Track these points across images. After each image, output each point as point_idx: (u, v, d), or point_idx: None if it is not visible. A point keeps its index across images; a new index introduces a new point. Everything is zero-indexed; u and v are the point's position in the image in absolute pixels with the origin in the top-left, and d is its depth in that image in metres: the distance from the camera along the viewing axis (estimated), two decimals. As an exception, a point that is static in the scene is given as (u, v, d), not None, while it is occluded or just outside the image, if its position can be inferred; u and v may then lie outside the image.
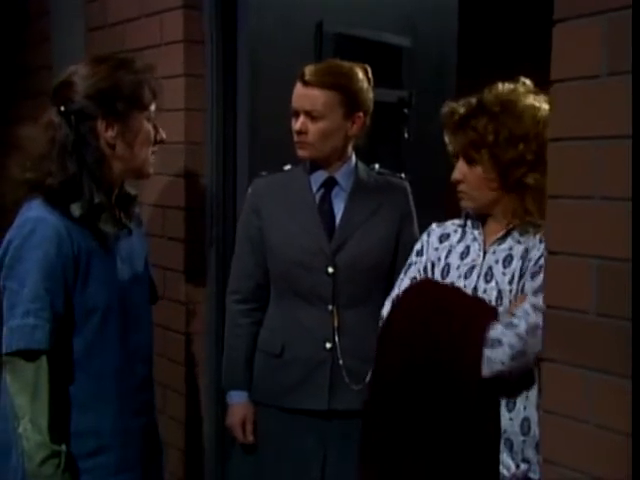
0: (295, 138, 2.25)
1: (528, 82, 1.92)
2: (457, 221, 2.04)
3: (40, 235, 1.79)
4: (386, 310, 2.00)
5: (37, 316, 1.76)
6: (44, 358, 1.78)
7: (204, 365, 2.86)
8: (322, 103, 2.20)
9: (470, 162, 1.89)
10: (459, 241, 1.99)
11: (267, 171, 2.41)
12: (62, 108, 1.86)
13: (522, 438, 1.81)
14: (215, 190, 2.80)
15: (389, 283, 2.23)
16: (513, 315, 1.78)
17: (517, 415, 1.82)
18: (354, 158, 2.35)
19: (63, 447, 1.80)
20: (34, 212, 1.83)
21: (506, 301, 1.85)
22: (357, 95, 2.24)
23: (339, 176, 2.31)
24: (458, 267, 1.95)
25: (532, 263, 1.83)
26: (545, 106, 1.81)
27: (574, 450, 1.46)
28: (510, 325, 1.77)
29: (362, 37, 2.99)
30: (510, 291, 1.85)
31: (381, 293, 2.21)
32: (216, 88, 2.77)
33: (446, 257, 1.98)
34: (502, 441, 1.82)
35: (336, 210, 2.31)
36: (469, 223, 1.99)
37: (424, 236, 2.07)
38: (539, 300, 1.53)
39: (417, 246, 2.07)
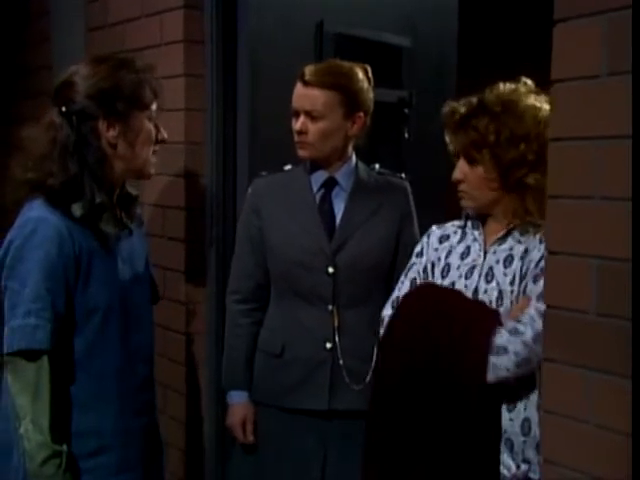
0: (295, 138, 2.25)
1: (529, 82, 1.92)
2: (457, 222, 2.04)
3: (41, 235, 1.79)
4: (386, 311, 2.00)
5: (38, 316, 1.77)
6: (45, 358, 1.78)
7: (204, 365, 2.86)
8: (322, 103, 2.20)
9: (471, 162, 1.89)
10: (459, 242, 1.99)
11: (267, 171, 2.40)
12: (63, 108, 1.86)
13: (522, 438, 1.81)
14: (215, 190, 2.80)
15: (389, 283, 2.23)
16: (518, 321, 1.78)
17: (517, 415, 1.82)
18: (354, 158, 2.35)
19: (64, 447, 1.80)
20: (35, 212, 1.83)
21: (507, 302, 1.85)
22: (357, 95, 2.24)
23: (339, 176, 2.31)
24: (458, 267, 1.95)
25: (533, 265, 1.83)
26: (546, 106, 1.81)
27: (574, 450, 1.46)
28: (516, 332, 1.76)
29: (362, 37, 2.99)
30: (511, 292, 1.85)
31: (381, 293, 2.22)
32: (216, 88, 2.77)
33: (446, 257, 1.98)
34: (503, 441, 1.82)
35: (336, 210, 2.31)
36: (469, 224, 1.99)
37: (424, 238, 2.07)
38: (544, 306, 1.53)
39: (417, 248, 2.07)
